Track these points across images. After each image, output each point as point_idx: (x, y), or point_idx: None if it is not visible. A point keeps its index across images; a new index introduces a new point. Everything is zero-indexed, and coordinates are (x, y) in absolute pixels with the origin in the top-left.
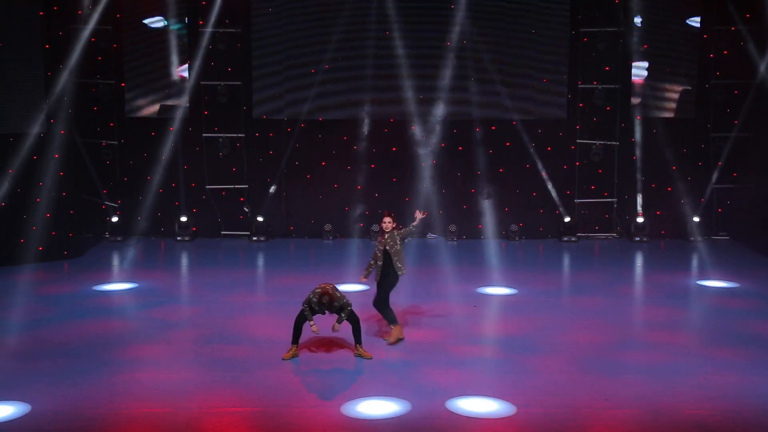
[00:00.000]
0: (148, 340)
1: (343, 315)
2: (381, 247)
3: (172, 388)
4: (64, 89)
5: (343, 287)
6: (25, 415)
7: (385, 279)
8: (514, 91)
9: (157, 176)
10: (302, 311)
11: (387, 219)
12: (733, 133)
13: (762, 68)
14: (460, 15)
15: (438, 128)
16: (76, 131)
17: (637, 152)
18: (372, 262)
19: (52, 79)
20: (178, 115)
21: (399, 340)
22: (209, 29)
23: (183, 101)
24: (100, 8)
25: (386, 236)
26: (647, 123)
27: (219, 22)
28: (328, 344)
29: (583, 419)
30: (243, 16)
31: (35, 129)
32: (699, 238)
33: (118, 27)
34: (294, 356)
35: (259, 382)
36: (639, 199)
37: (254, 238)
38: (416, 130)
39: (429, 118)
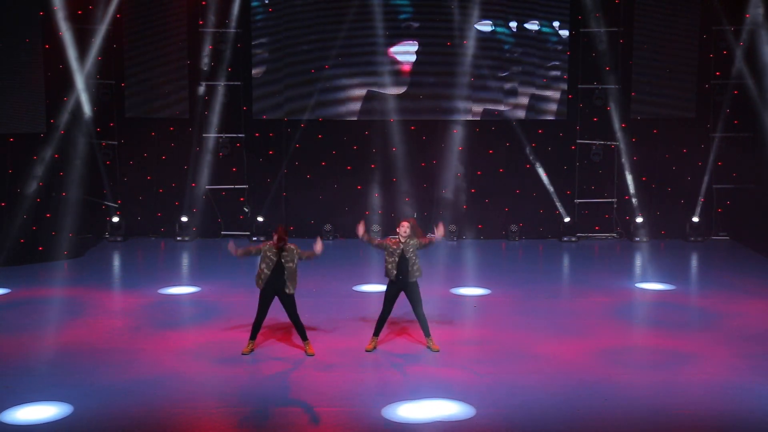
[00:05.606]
0: (153, 340)
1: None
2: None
3: (177, 386)
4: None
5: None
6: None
7: None
8: (514, 90)
9: (156, 176)
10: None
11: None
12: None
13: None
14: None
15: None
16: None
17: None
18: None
19: (58, 79)
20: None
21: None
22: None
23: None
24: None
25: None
26: (647, 123)
27: (219, 22)
28: (330, 345)
29: (583, 419)
30: (243, 16)
31: (35, 129)
32: (699, 239)
33: (118, 27)
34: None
35: (262, 383)
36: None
37: (254, 238)
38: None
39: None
